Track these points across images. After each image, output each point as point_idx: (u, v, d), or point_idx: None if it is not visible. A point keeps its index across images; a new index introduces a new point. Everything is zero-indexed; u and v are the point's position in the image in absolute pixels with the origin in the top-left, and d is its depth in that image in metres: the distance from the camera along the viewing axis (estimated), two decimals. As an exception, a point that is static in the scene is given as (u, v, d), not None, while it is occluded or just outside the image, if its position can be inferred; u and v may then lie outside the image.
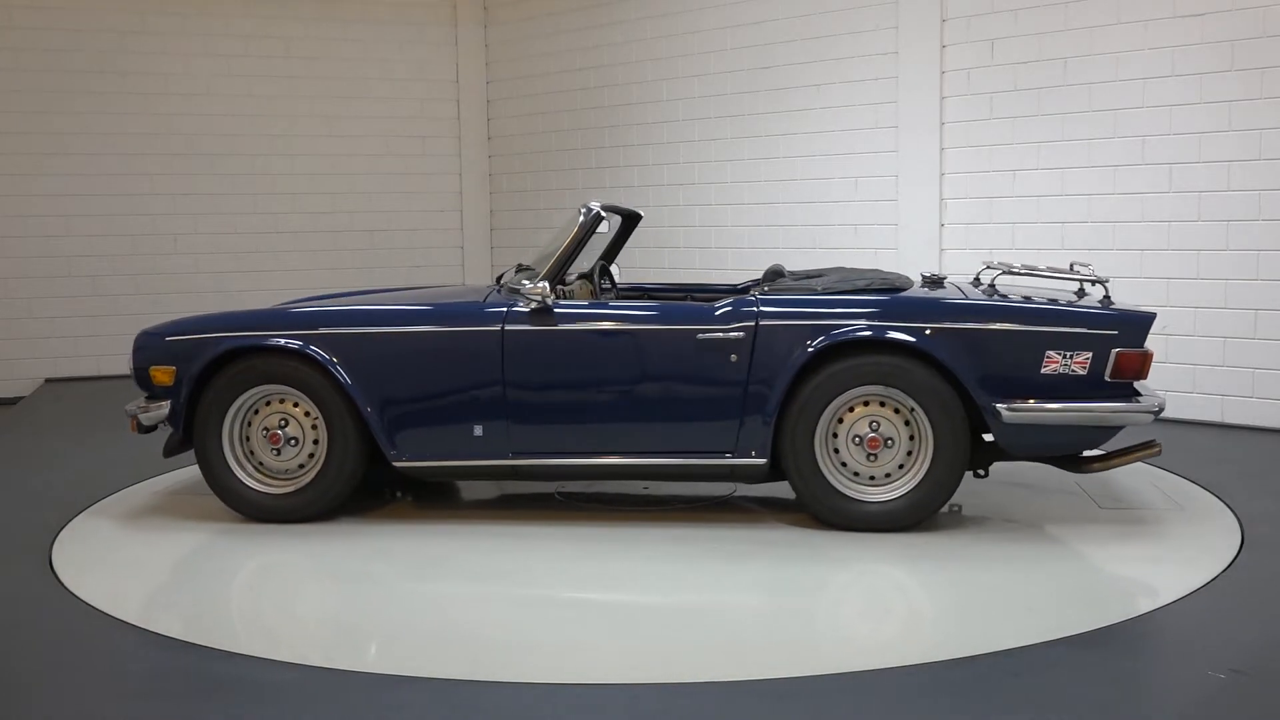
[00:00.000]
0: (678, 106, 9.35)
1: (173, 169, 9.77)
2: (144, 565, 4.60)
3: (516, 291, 5.02)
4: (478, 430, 4.95)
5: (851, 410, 4.79)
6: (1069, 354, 4.66)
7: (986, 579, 4.25)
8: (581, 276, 5.84)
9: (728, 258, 8.92)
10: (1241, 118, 6.66)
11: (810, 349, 4.72)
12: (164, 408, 5.12)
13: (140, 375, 5.21)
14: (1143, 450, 4.84)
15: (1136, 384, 4.83)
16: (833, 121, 8.42)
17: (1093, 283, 4.95)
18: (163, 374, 5.11)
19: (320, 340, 5.00)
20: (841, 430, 4.79)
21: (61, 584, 4.33)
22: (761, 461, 4.80)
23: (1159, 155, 6.97)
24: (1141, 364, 4.69)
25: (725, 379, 4.82)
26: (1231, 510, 5.03)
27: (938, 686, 3.32)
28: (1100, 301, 4.91)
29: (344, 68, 10.28)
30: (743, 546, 4.64)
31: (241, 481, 5.10)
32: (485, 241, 10.75)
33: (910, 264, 8.02)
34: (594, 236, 5.26)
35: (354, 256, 10.38)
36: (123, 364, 9.50)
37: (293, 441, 5.06)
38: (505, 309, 4.96)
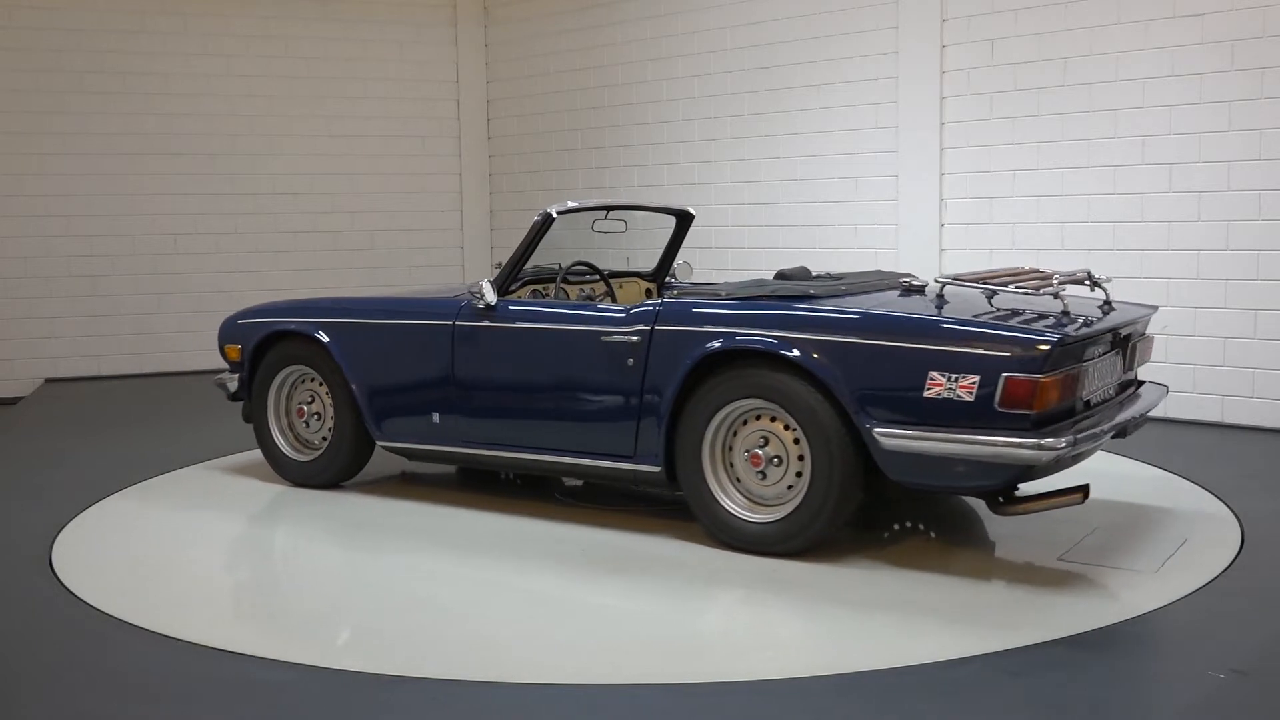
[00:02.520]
0: (678, 106, 9.35)
1: (173, 169, 9.77)
2: (144, 565, 4.60)
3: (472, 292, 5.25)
4: (435, 418, 5.31)
5: (746, 424, 4.51)
6: (954, 376, 4.05)
7: (987, 578, 4.25)
8: (632, 275, 6.09)
9: (728, 258, 8.92)
10: (1241, 118, 6.66)
11: (690, 359, 4.50)
12: (236, 380, 5.96)
13: (220, 351, 6.09)
14: (1065, 496, 4.28)
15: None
16: (833, 121, 8.42)
17: (1055, 294, 4.39)
18: (232, 351, 6.00)
19: (325, 327, 5.59)
20: (737, 444, 4.54)
21: (61, 584, 4.33)
22: (656, 469, 4.68)
23: (1159, 155, 6.97)
24: (1031, 394, 3.93)
25: (624, 383, 4.73)
26: (1231, 510, 5.03)
27: (938, 686, 3.32)
28: (1100, 306, 4.66)
29: (344, 68, 10.28)
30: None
31: (280, 449, 5.81)
32: (485, 241, 10.74)
33: (910, 264, 8.02)
34: (607, 236, 5.48)
35: (354, 256, 10.39)
36: (122, 364, 9.61)
37: (316, 416, 5.71)
38: (460, 306, 5.26)
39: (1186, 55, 6.83)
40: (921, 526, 4.89)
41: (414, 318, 5.41)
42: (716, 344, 4.45)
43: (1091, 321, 4.36)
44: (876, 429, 4.15)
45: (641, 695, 3.31)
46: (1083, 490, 4.29)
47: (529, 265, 5.38)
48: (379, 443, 5.50)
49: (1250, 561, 4.36)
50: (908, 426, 4.12)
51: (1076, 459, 4.36)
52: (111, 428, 7.56)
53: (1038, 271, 4.88)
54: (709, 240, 8.96)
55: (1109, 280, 4.88)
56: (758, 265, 8.39)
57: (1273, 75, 6.55)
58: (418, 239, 10.61)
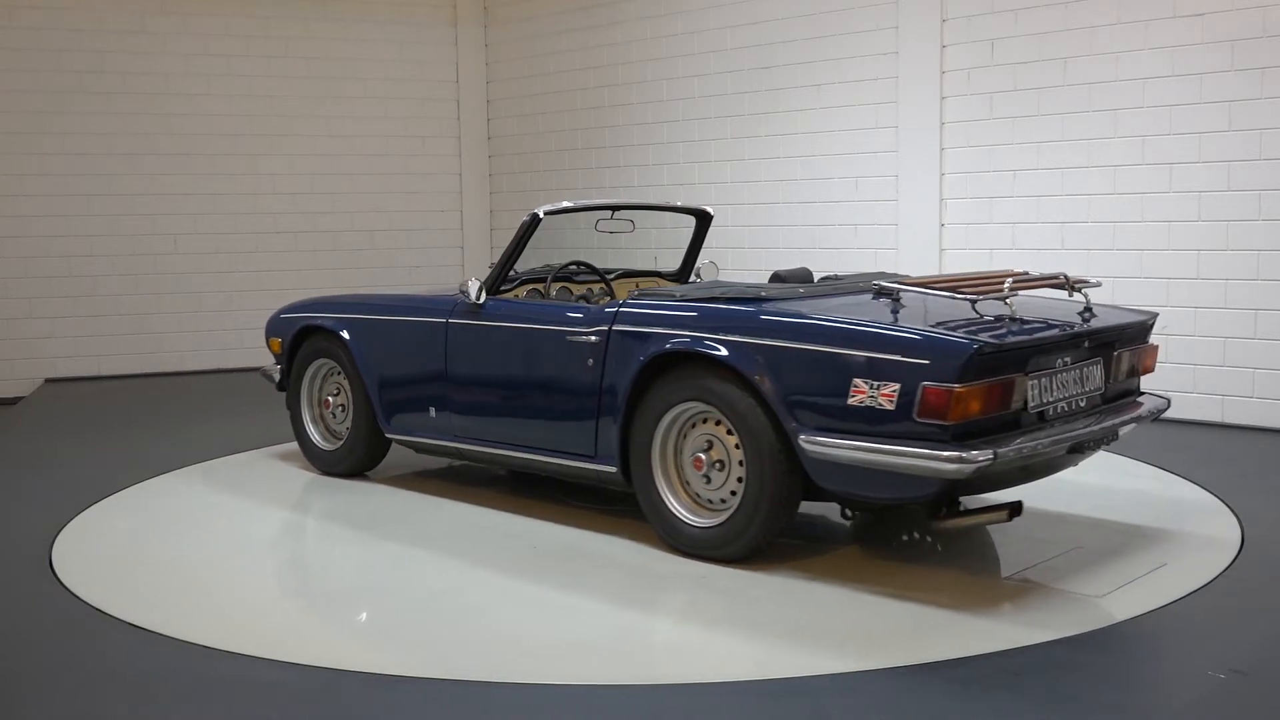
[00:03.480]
0: (678, 106, 9.36)
1: (173, 169, 9.78)
2: (144, 565, 4.60)
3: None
4: (432, 413, 5.46)
5: (694, 427, 4.46)
6: (876, 384, 3.93)
7: (987, 579, 4.25)
8: (653, 275, 6.12)
9: (728, 258, 8.91)
10: (1241, 118, 6.66)
11: (639, 361, 4.50)
12: (279, 371, 6.21)
13: (266, 343, 6.32)
14: (991, 514, 4.22)
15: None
16: (833, 121, 8.42)
17: (1004, 300, 4.18)
18: (275, 344, 6.23)
19: (347, 323, 5.82)
20: (685, 447, 4.50)
21: (61, 584, 4.33)
22: (613, 470, 4.68)
23: (1159, 155, 6.97)
24: (946, 404, 3.77)
25: (585, 384, 4.76)
26: (1231, 510, 5.03)
27: (938, 686, 3.32)
28: (1081, 312, 4.46)
29: (344, 68, 10.28)
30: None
31: (312, 438, 6.06)
32: (485, 241, 10.75)
33: (910, 264, 8.03)
34: (613, 236, 5.58)
35: (354, 256, 10.39)
36: (122, 364, 9.61)
37: (341, 408, 5.92)
38: (454, 304, 5.37)
39: (1186, 55, 6.83)
40: (923, 527, 4.88)
41: (415, 314, 5.55)
42: (664, 346, 4.45)
43: (1040, 329, 4.16)
44: (802, 435, 4.08)
45: (641, 695, 3.31)
46: (1010, 508, 4.21)
47: (540, 265, 5.49)
48: (387, 435, 5.68)
49: (1250, 561, 4.36)
50: (831, 434, 4.02)
51: (1034, 473, 4.28)
52: (111, 428, 7.56)
53: (1007, 273, 4.70)
54: (709, 240, 8.94)
55: (1097, 284, 4.76)
56: (758, 265, 8.40)
57: (1273, 75, 6.55)
58: (418, 239, 10.62)
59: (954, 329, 3.96)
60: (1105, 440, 4.35)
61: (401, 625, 3.92)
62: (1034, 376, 4.06)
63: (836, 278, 5.18)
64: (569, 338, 4.83)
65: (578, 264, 5.92)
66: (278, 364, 6.22)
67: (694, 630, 3.82)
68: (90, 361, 9.62)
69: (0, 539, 4.95)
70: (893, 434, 3.91)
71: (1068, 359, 4.24)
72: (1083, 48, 7.22)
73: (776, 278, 5.15)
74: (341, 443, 5.90)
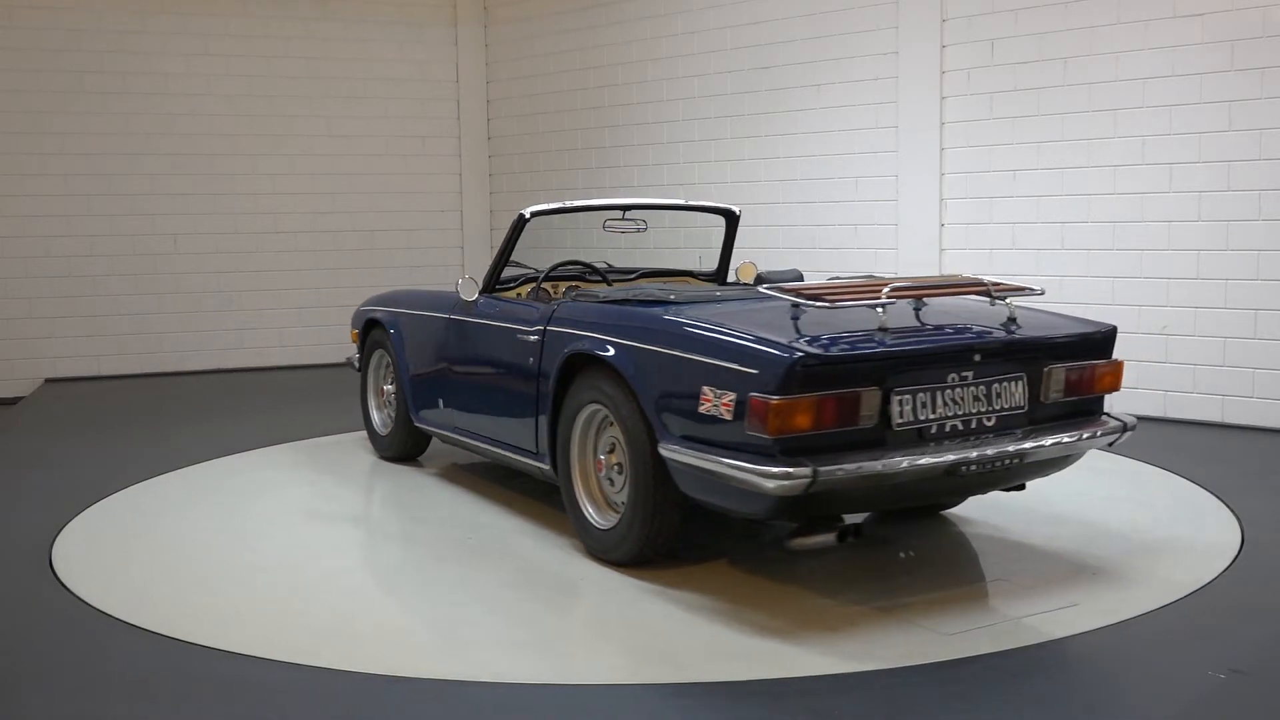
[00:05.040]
0: (678, 107, 9.36)
1: (173, 169, 9.78)
2: (144, 565, 4.60)
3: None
4: (440, 404, 5.68)
5: (605, 429, 4.43)
6: (718, 392, 3.81)
7: (986, 579, 4.25)
8: (684, 274, 6.15)
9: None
10: (1241, 118, 6.66)
11: (559, 359, 4.54)
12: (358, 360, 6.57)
13: (351, 334, 6.69)
14: (820, 536, 3.98)
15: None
16: (833, 121, 8.42)
17: (880, 307, 3.93)
18: (354, 335, 6.59)
19: (393, 317, 6.12)
20: (600, 449, 4.47)
21: (61, 584, 4.33)
22: (548, 467, 4.73)
23: (1159, 155, 6.97)
24: (764, 416, 3.60)
25: (528, 382, 4.85)
26: (1231, 510, 5.03)
27: (938, 686, 3.32)
28: (1005, 323, 4.17)
29: (344, 68, 10.28)
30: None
31: (374, 425, 6.42)
32: (485, 241, 10.75)
33: (910, 264, 8.03)
34: (626, 236, 5.73)
35: (354, 256, 10.39)
36: (122, 364, 9.61)
37: (394, 397, 6.19)
38: (454, 302, 5.55)
39: (1186, 55, 6.83)
40: (924, 530, 4.88)
41: (431, 310, 5.81)
42: (574, 346, 4.48)
43: (910, 341, 3.90)
44: (662, 441, 4.01)
45: (645, 695, 3.31)
46: (837, 530, 3.97)
47: (558, 264, 5.68)
48: (415, 424, 5.95)
49: (1250, 561, 4.36)
50: (686, 441, 3.94)
51: (913, 494, 4.06)
52: (111, 428, 7.56)
53: (921, 280, 4.43)
54: (709, 240, 8.94)
55: (1039, 291, 4.41)
56: (759, 265, 8.37)
57: (1273, 75, 6.55)
58: (418, 239, 10.62)
59: (791, 339, 3.75)
60: (1010, 463, 3.93)
61: (401, 625, 3.92)
62: (902, 392, 3.80)
63: (836, 279, 5.17)
64: (518, 335, 4.96)
65: (576, 263, 5.94)
66: (358, 354, 6.59)
67: (695, 629, 3.82)
68: (90, 361, 9.62)
69: (0, 539, 4.95)
70: (731, 445, 3.77)
71: (966, 374, 3.93)
72: (1083, 48, 7.22)
73: (761, 280, 5.16)
74: (390, 430, 6.25)
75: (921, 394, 3.85)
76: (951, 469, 3.80)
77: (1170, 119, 6.92)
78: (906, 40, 7.97)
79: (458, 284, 5.42)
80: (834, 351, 3.73)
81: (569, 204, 5.65)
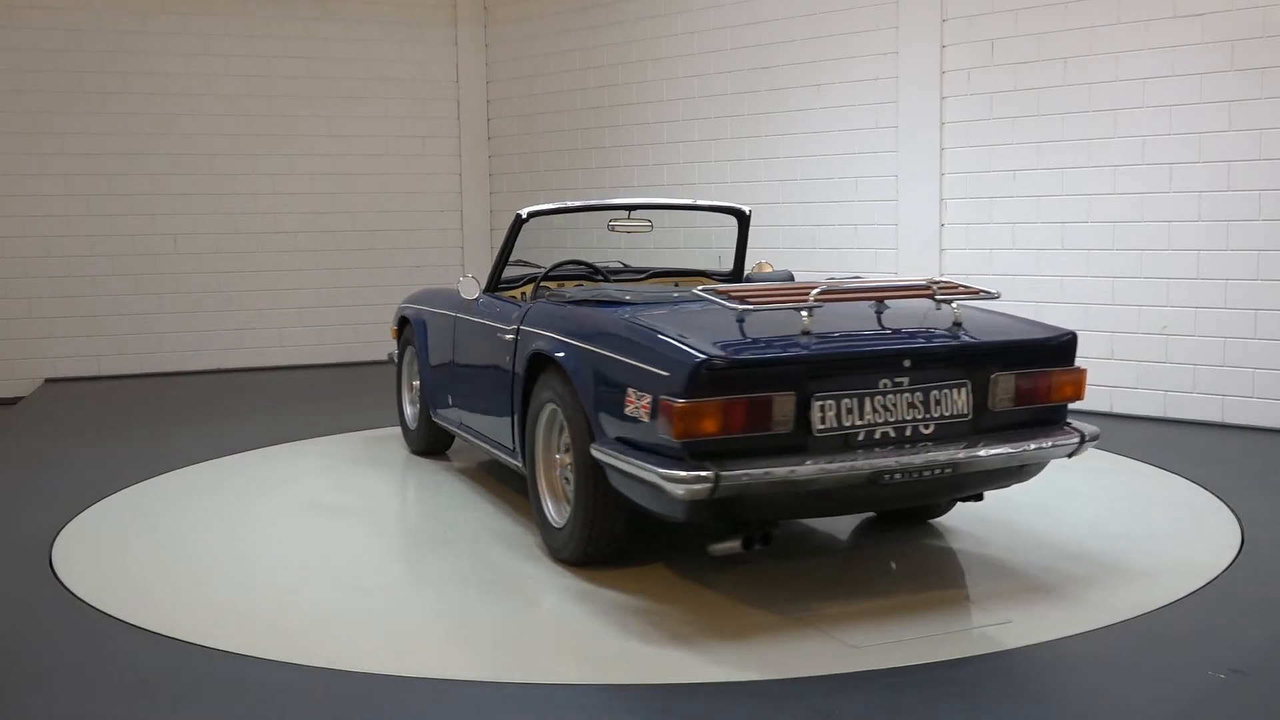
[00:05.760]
0: (678, 106, 9.36)
1: (173, 169, 9.78)
2: (144, 565, 4.60)
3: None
4: (449, 400, 5.76)
5: (564, 430, 4.38)
6: (639, 394, 3.76)
7: (985, 579, 4.25)
8: (705, 274, 6.13)
9: (727, 258, 8.91)
10: (1241, 118, 6.66)
11: (525, 358, 4.58)
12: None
13: (391, 329, 6.80)
14: (728, 543, 3.89)
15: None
16: (833, 121, 8.42)
17: (807, 311, 3.88)
18: (393, 331, 6.70)
19: (417, 315, 6.26)
20: (561, 446, 4.45)
21: (61, 584, 4.33)
22: (520, 464, 4.78)
23: (1159, 155, 6.97)
24: (671, 418, 3.56)
25: (505, 381, 4.88)
26: (1231, 510, 5.03)
27: (938, 686, 3.32)
28: (950, 326, 4.03)
29: (344, 68, 10.28)
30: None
31: (406, 419, 6.54)
32: (485, 241, 10.75)
33: (910, 264, 8.03)
34: (625, 235, 5.75)
35: (354, 256, 10.39)
36: (122, 364, 9.61)
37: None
38: (459, 301, 5.61)
39: (1186, 55, 6.83)
40: (926, 530, 4.88)
41: (445, 309, 5.88)
42: (535, 346, 4.52)
43: (835, 346, 3.84)
44: (597, 440, 4.00)
45: (651, 696, 3.31)
46: (741, 539, 3.86)
47: (559, 264, 5.72)
48: (433, 419, 6.06)
49: (1250, 561, 4.35)
50: (613, 442, 3.92)
51: (906, 499, 4.06)
52: (111, 428, 7.56)
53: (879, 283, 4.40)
54: (709, 240, 8.96)
55: (994, 295, 4.25)
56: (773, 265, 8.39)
57: (1273, 75, 6.55)
58: (418, 239, 10.62)
59: (706, 342, 3.71)
60: (941, 473, 3.79)
61: (401, 625, 3.92)
62: (824, 397, 3.71)
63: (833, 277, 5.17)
64: (498, 335, 5.01)
65: (578, 263, 5.94)
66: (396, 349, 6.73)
67: (692, 630, 3.82)
68: (90, 361, 9.62)
69: (0, 539, 4.95)
70: (648, 447, 3.75)
71: (901, 380, 3.82)
72: (1083, 48, 7.22)
73: (750, 279, 5.18)
74: (416, 424, 6.40)
75: (847, 400, 3.75)
76: (874, 477, 3.70)
77: (1170, 119, 6.92)
78: (906, 40, 7.97)
79: (459, 283, 5.47)
80: (743, 355, 3.68)
81: (569, 204, 5.71)
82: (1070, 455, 4.11)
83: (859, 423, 3.77)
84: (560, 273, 5.83)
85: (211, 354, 9.99)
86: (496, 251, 5.56)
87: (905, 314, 4.26)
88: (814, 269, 8.05)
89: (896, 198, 8.12)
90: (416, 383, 6.36)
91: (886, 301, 4.27)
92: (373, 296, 10.38)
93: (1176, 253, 6.97)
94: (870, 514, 4.94)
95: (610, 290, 4.67)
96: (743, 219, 6.18)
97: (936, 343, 3.97)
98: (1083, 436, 4.09)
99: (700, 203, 6.28)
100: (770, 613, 3.89)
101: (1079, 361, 4.20)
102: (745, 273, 6.23)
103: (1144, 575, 4.23)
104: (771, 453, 3.67)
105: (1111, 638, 3.65)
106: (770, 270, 5.86)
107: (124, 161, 9.63)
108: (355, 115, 10.35)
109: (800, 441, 3.72)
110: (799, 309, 3.89)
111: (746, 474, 3.57)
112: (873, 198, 8.26)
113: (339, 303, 10.33)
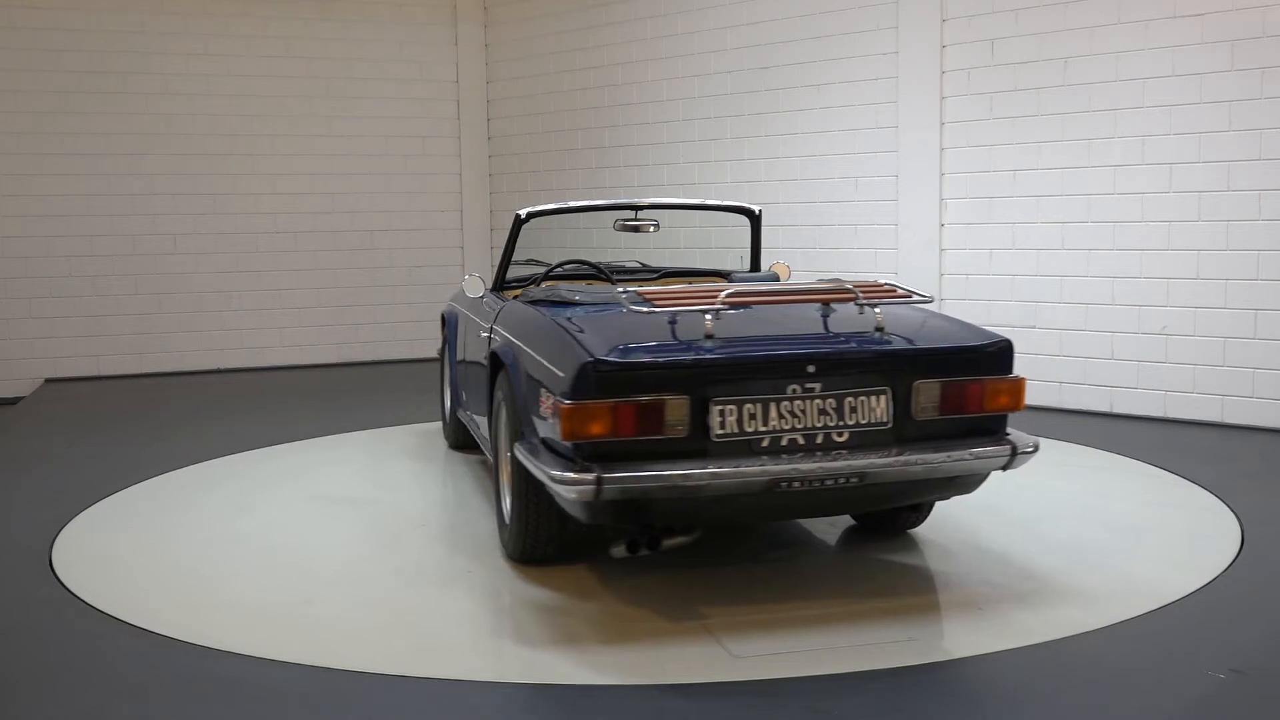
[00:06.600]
0: (678, 106, 9.36)
1: (173, 169, 9.78)
2: (144, 565, 4.60)
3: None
4: (464, 396, 5.86)
5: None
6: (548, 395, 3.76)
7: (985, 580, 4.25)
8: (718, 274, 6.07)
9: (727, 258, 8.91)
10: (1241, 118, 6.66)
11: (488, 357, 4.70)
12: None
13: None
14: (619, 545, 3.93)
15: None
16: (833, 121, 8.42)
17: (713, 314, 3.84)
18: (442, 326, 6.65)
19: (451, 312, 6.32)
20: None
21: (61, 584, 4.33)
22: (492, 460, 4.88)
23: (1159, 155, 6.97)
24: (560, 419, 3.57)
25: (483, 379, 4.99)
26: (1231, 510, 5.03)
27: (938, 686, 3.32)
28: (873, 330, 3.92)
29: (344, 68, 10.28)
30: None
31: (444, 414, 6.63)
32: (485, 241, 10.75)
33: (910, 264, 8.03)
34: (624, 235, 5.78)
35: (354, 256, 10.39)
36: (122, 364, 9.61)
37: None
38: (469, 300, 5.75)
39: (1186, 55, 6.83)
40: (927, 530, 4.88)
41: (465, 308, 5.92)
42: (496, 344, 4.61)
43: (732, 349, 3.75)
44: (523, 438, 4.01)
45: (658, 695, 3.31)
46: (626, 543, 3.90)
47: (570, 262, 5.77)
48: (458, 416, 6.17)
49: (1250, 561, 4.36)
50: (531, 442, 3.92)
51: (813, 509, 4.04)
52: (111, 428, 7.56)
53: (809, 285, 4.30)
54: (709, 240, 8.96)
55: (925, 299, 4.14)
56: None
57: (1273, 75, 6.55)
58: (418, 239, 10.62)
59: (602, 343, 3.70)
60: (847, 482, 3.69)
61: (401, 625, 3.93)
62: (724, 402, 3.65)
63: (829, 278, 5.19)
64: (479, 333, 5.13)
65: (581, 262, 5.93)
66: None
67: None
68: (90, 361, 9.62)
69: (0, 539, 4.95)
70: (553, 448, 3.76)
71: (813, 385, 3.71)
72: (1083, 48, 7.22)
73: (736, 279, 5.25)
74: (450, 418, 6.53)
75: (750, 405, 3.67)
76: (770, 485, 3.62)
77: (1170, 119, 6.92)
78: (906, 40, 7.97)
79: (463, 281, 5.51)
80: (633, 358, 3.63)
81: (570, 204, 5.73)
82: (1004, 468, 3.92)
83: (762, 429, 3.69)
84: (566, 272, 5.83)
85: (211, 354, 9.99)
86: (501, 252, 5.65)
87: (826, 318, 4.14)
88: (814, 269, 8.06)
89: (896, 198, 8.11)
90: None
91: (813, 305, 4.15)
92: (373, 296, 10.38)
93: (1176, 253, 6.97)
94: (852, 523, 4.87)
95: (563, 291, 4.70)
96: (754, 218, 6.16)
97: (849, 348, 3.86)
98: (1014, 449, 3.87)
99: (710, 202, 6.26)
100: (664, 618, 3.88)
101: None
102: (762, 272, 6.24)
103: (1144, 575, 4.23)
104: (670, 457, 3.62)
105: (1111, 638, 3.65)
106: (789, 272, 5.87)
107: (124, 161, 9.63)
108: (355, 115, 10.34)
109: (699, 446, 3.66)
110: (705, 312, 3.82)
111: (630, 477, 3.53)
112: (873, 198, 8.26)
113: (339, 303, 10.33)
